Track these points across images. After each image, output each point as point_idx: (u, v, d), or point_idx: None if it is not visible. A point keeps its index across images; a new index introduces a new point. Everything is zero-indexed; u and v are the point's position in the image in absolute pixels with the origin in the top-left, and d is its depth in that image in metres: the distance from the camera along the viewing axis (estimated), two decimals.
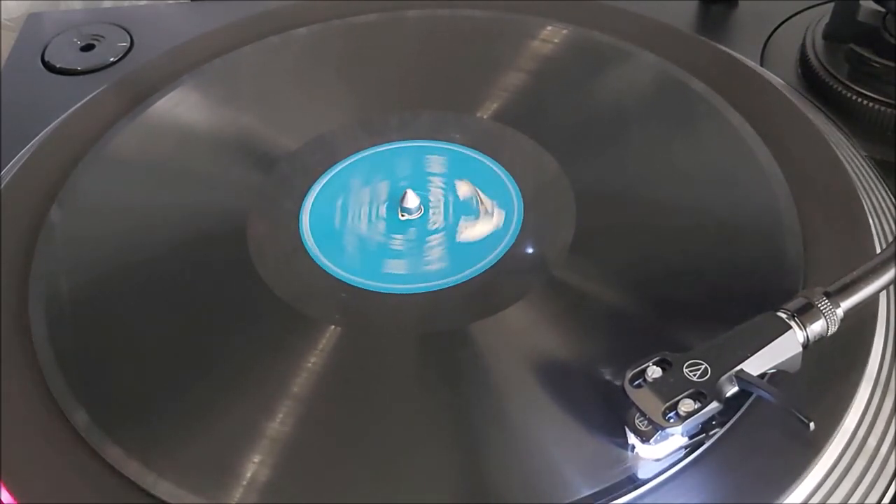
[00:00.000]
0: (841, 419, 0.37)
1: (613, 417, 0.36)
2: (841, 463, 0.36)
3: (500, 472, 0.36)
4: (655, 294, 0.42)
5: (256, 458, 0.36)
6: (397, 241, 0.45)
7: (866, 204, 0.44)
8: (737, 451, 0.36)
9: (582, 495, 0.35)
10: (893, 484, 0.37)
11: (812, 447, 0.36)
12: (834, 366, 0.38)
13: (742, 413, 0.36)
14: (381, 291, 0.43)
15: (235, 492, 0.35)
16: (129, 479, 0.36)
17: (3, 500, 0.36)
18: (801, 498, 0.35)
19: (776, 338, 0.35)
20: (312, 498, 0.35)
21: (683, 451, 0.35)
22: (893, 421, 0.38)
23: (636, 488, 0.35)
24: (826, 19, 0.57)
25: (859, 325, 0.39)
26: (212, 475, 0.36)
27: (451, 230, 0.45)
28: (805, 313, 0.36)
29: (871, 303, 0.39)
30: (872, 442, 0.37)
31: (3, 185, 0.50)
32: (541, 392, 0.38)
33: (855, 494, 0.36)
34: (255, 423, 0.37)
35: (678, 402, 0.34)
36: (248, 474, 0.36)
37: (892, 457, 0.37)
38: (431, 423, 0.38)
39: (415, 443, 0.37)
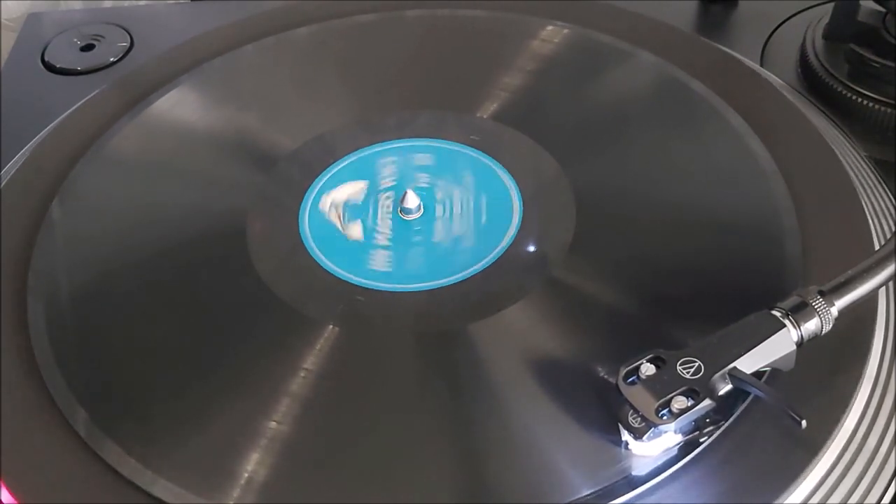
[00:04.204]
0: (841, 419, 0.37)
1: (612, 417, 0.36)
2: (841, 463, 0.36)
3: (499, 471, 0.36)
4: (655, 294, 0.42)
5: (255, 458, 0.36)
6: (398, 241, 0.45)
7: (866, 204, 0.44)
8: (736, 450, 0.36)
9: (581, 495, 0.35)
10: (893, 484, 0.37)
11: (812, 447, 0.36)
12: (834, 365, 0.38)
13: (741, 412, 0.36)
14: (381, 291, 0.43)
15: (234, 491, 0.35)
16: (128, 479, 0.36)
17: (3, 499, 0.36)
18: (801, 498, 0.35)
19: (770, 336, 0.35)
20: (311, 498, 0.35)
21: (677, 449, 0.35)
22: (893, 421, 0.38)
23: (635, 488, 0.35)
24: (826, 19, 0.57)
25: (859, 324, 0.39)
26: (210, 475, 0.36)
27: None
28: (799, 312, 0.36)
29: (870, 302, 0.39)
30: (872, 442, 0.37)
31: (3, 185, 0.50)
32: (540, 392, 0.38)
33: (855, 494, 0.36)
34: (254, 422, 0.37)
35: (671, 399, 0.34)
36: (247, 474, 0.36)
37: (892, 457, 0.37)
38: (431, 422, 0.38)
39: (414, 443, 0.37)
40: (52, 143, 0.52)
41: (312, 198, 0.47)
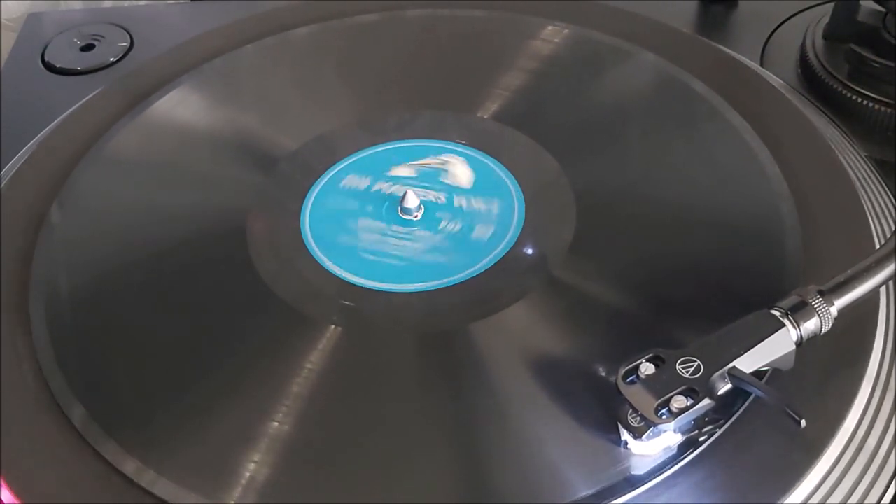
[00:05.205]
0: (841, 419, 0.37)
1: (612, 417, 0.36)
2: (841, 463, 0.36)
3: (499, 472, 0.36)
4: (656, 294, 0.42)
5: (256, 458, 0.36)
6: (398, 241, 0.45)
7: (866, 204, 0.44)
8: (737, 451, 0.36)
9: (581, 495, 0.35)
10: (893, 484, 0.37)
11: (812, 447, 0.36)
12: (834, 366, 0.38)
13: (742, 413, 0.36)
14: (381, 291, 0.43)
15: (234, 491, 0.35)
16: (129, 478, 0.36)
17: (3, 499, 0.36)
18: (801, 498, 0.35)
19: (769, 335, 0.35)
20: (312, 498, 0.35)
21: (677, 449, 0.35)
22: (893, 421, 0.38)
23: (636, 488, 0.35)
24: (826, 19, 0.57)
25: (859, 324, 0.39)
26: (211, 474, 0.36)
27: (449, 200, 0.46)
28: (799, 311, 0.36)
29: (870, 302, 0.39)
30: (872, 442, 0.37)
31: (3, 185, 0.50)
32: (540, 392, 0.38)
33: (855, 494, 0.36)
34: (255, 422, 0.37)
35: (670, 398, 0.34)
36: (247, 473, 0.36)
37: (892, 457, 0.37)
38: (431, 423, 0.38)
39: (414, 443, 0.37)
40: (52, 143, 0.52)
41: (313, 198, 0.47)
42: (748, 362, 0.35)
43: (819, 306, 0.36)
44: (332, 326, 0.41)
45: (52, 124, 0.55)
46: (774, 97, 0.51)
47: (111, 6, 0.77)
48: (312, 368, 0.39)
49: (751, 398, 0.36)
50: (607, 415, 0.36)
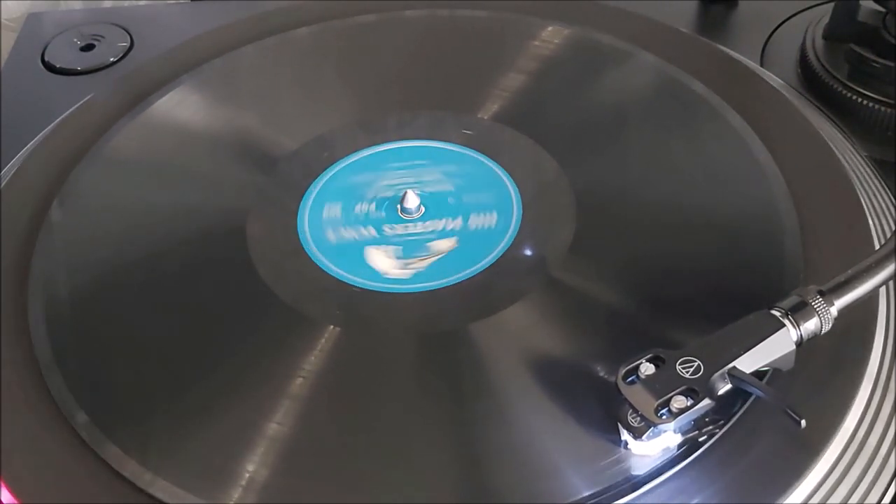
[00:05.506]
0: (841, 419, 0.37)
1: (612, 418, 0.36)
2: (841, 463, 0.36)
3: (499, 472, 0.36)
4: (655, 294, 0.42)
5: (255, 459, 0.36)
6: (398, 241, 0.45)
7: (866, 204, 0.44)
8: (736, 451, 0.36)
9: (581, 496, 0.35)
10: (893, 484, 0.37)
11: (812, 447, 0.36)
12: (834, 366, 0.38)
13: (742, 413, 0.36)
14: (381, 291, 0.43)
15: (233, 491, 0.35)
16: (128, 479, 0.36)
17: (3, 499, 0.36)
18: (801, 498, 0.35)
19: (769, 336, 0.35)
20: (311, 498, 0.35)
21: (677, 449, 0.35)
22: (893, 421, 0.38)
23: (636, 488, 0.35)
24: (826, 19, 0.57)
25: (859, 324, 0.39)
26: (210, 475, 0.36)
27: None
28: (799, 311, 0.36)
29: (870, 302, 0.39)
30: (872, 442, 0.37)
31: (3, 185, 0.50)
32: (540, 392, 0.38)
33: (855, 494, 0.36)
34: (254, 422, 0.37)
35: (671, 398, 0.34)
36: (247, 474, 0.36)
37: (892, 457, 0.37)
38: (430, 423, 0.38)
39: (414, 443, 0.37)
40: (52, 143, 0.52)
41: (313, 198, 0.47)
42: (748, 362, 0.35)
43: (819, 306, 0.36)
44: (332, 327, 0.41)
45: (52, 124, 0.55)
46: (774, 97, 0.51)
47: (111, 6, 0.77)
48: (312, 369, 0.39)
49: (751, 398, 0.36)
50: (607, 415, 0.36)
